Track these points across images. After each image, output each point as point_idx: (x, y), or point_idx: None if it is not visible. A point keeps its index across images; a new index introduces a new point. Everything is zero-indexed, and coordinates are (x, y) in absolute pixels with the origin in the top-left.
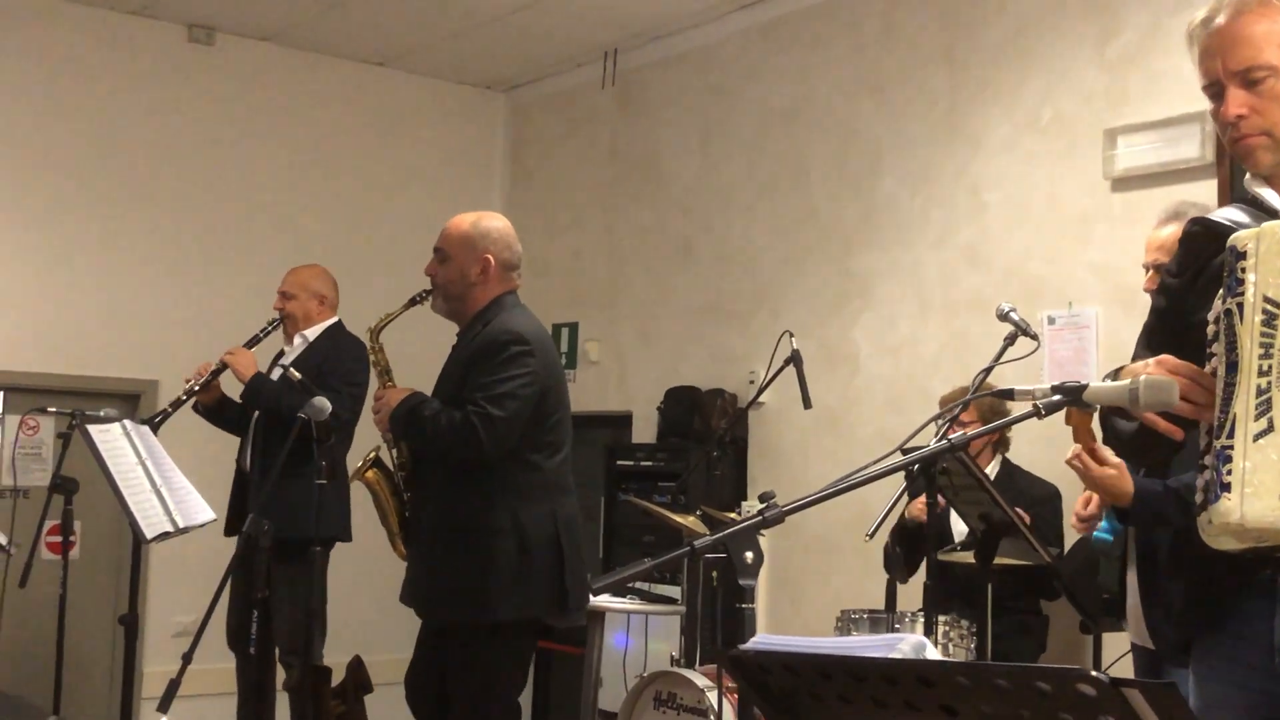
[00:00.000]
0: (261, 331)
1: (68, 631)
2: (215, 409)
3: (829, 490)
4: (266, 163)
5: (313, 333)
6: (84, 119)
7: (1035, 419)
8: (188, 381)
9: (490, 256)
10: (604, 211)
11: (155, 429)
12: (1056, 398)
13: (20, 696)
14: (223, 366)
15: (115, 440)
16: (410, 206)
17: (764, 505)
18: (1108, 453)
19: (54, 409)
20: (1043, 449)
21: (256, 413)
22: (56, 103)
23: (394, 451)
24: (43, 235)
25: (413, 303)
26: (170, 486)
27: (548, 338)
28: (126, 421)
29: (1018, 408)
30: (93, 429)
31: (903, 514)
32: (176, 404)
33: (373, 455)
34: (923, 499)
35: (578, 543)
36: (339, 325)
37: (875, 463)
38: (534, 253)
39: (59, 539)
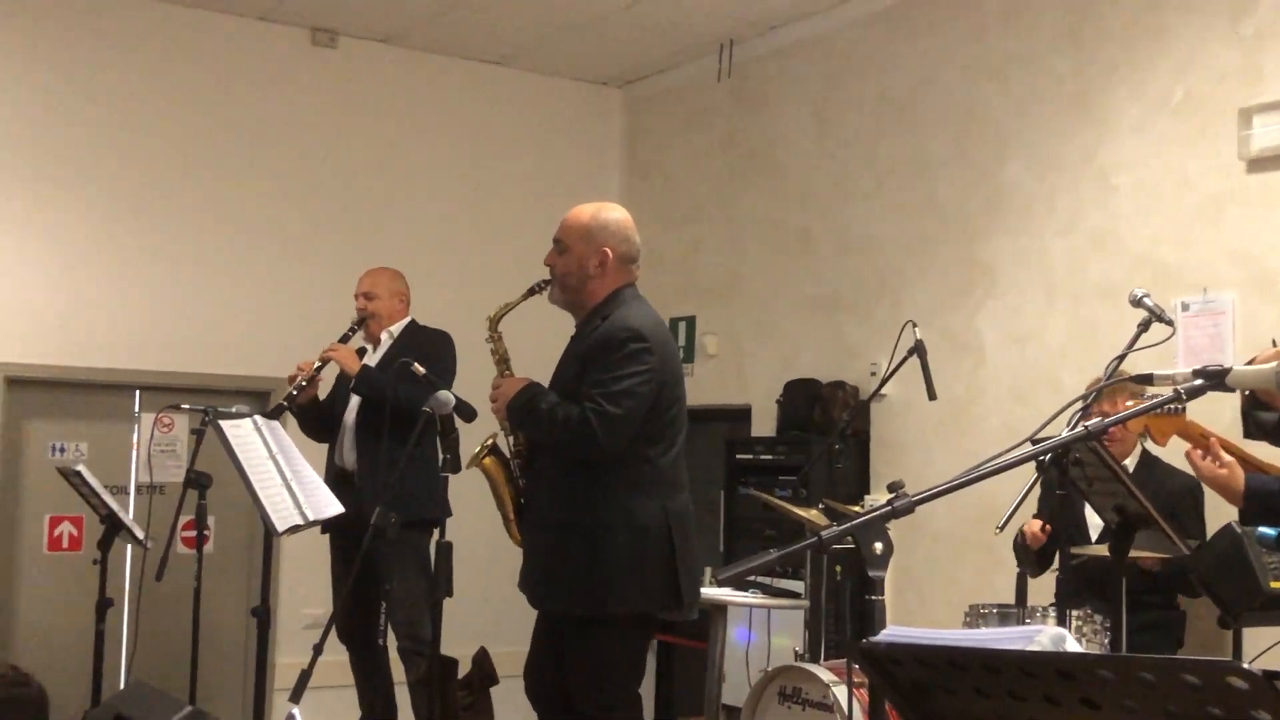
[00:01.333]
0: (350, 330)
1: (203, 624)
2: (310, 409)
3: (960, 480)
4: (388, 162)
5: (396, 330)
6: (212, 123)
7: (1176, 404)
8: (292, 379)
9: (609, 249)
10: (721, 203)
11: (276, 419)
12: (1198, 382)
13: (159, 686)
14: (324, 363)
15: (247, 435)
16: (529, 202)
17: (893, 495)
18: (1223, 451)
19: (188, 406)
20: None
21: (350, 411)
22: (185, 108)
23: (511, 439)
24: (173, 237)
25: (531, 292)
26: (300, 480)
27: (666, 332)
28: (257, 417)
29: (1156, 393)
30: (225, 424)
31: (1019, 534)
32: (289, 399)
33: (490, 442)
34: (1037, 522)
35: (690, 537)
36: (414, 322)
37: (1005, 453)
38: (651, 246)
39: (194, 533)
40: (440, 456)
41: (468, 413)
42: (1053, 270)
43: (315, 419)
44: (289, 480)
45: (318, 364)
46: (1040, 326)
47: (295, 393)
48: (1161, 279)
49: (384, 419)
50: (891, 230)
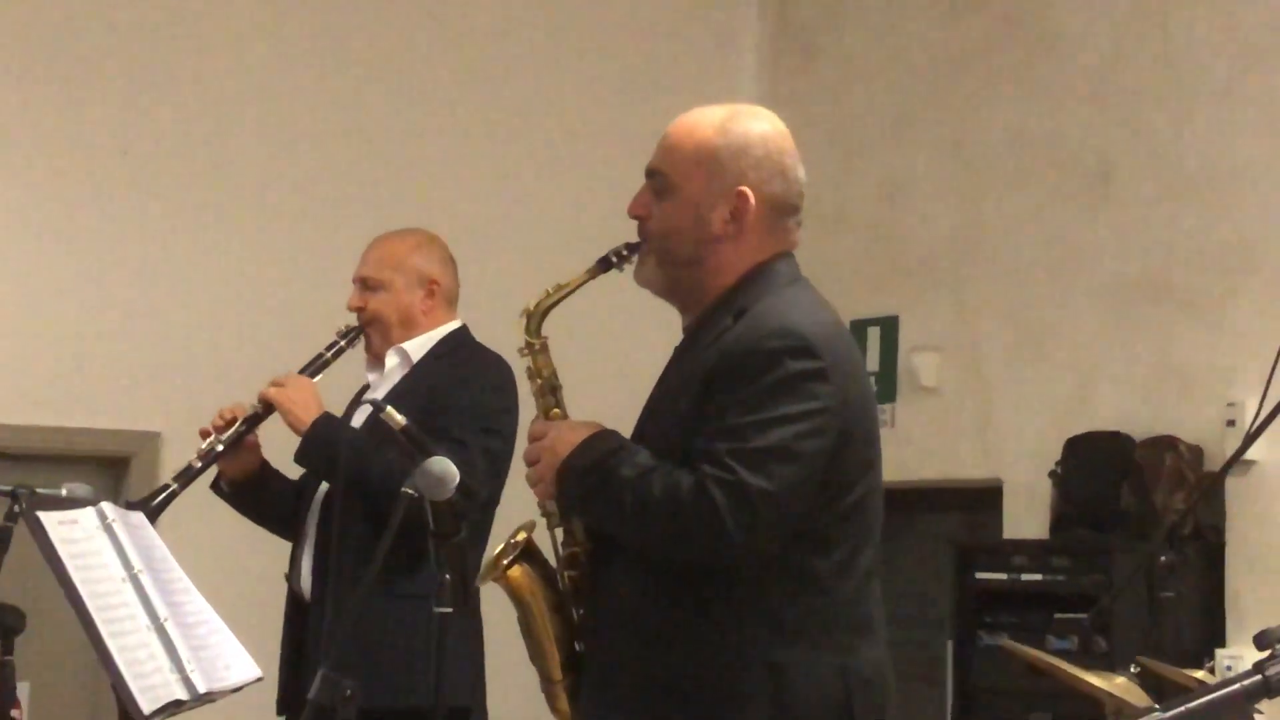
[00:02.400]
0: (329, 349)
1: None
2: (251, 487)
3: None
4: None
5: (417, 346)
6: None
7: None
8: (206, 437)
9: (748, 189)
10: (945, 114)
11: (154, 517)
12: None
13: None
14: (265, 409)
15: (86, 537)
16: (606, 111)
17: (1266, 655)
18: None
19: None
20: None
21: (319, 494)
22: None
23: (558, 532)
24: None
25: (603, 267)
26: (182, 620)
27: (851, 345)
28: (106, 505)
29: None
30: (48, 519)
31: None
32: (188, 476)
33: (520, 538)
34: None
35: None
36: (463, 333)
37: None
38: (814, 191)
39: None
40: (438, 579)
41: (488, 502)
42: None
43: (264, 506)
44: (162, 620)
45: (251, 411)
46: None
47: (200, 464)
48: None
49: (363, 509)
50: (1267, 158)
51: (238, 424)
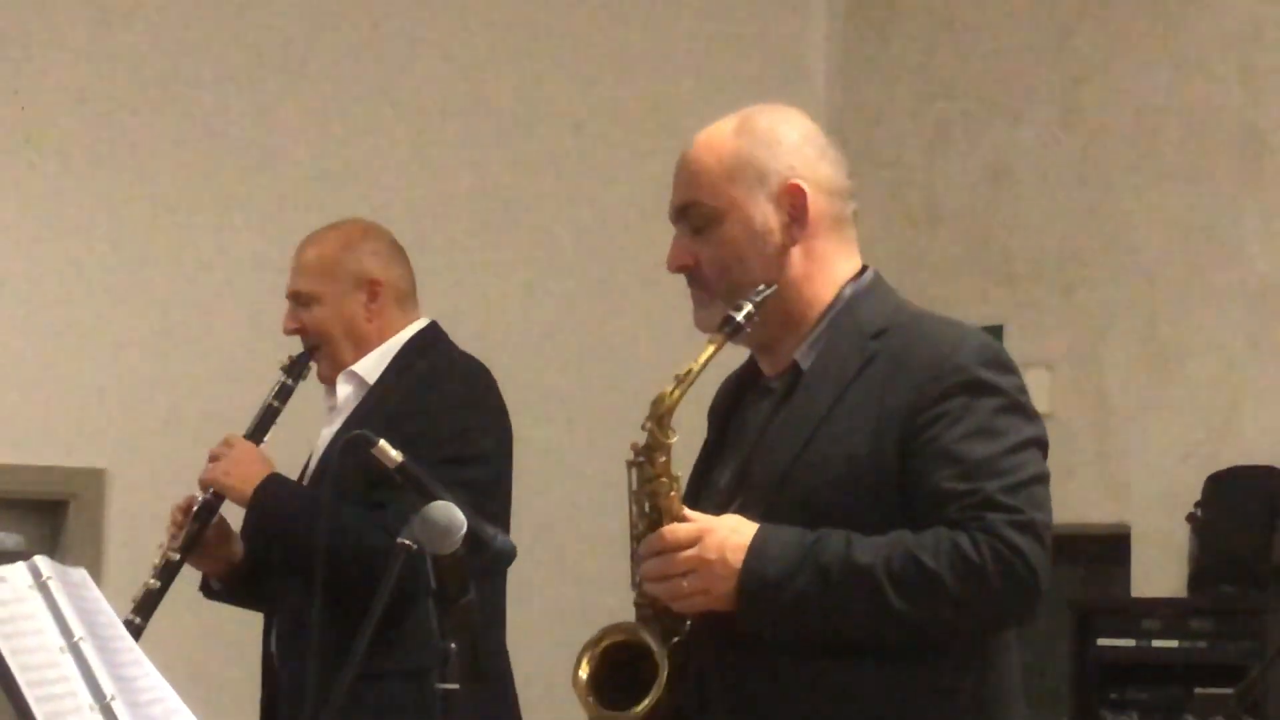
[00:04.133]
0: (276, 395)
1: None
2: (245, 577)
3: None
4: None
5: (372, 364)
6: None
7: None
8: (173, 530)
9: (798, 181)
10: (1059, 84)
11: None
12: None
13: None
14: (215, 499)
15: (16, 599)
16: (657, 111)
17: None
18: None
19: None
20: None
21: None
22: None
23: (658, 622)
24: None
25: (733, 330)
26: (132, 698)
27: None
28: (41, 560)
29: None
30: None
31: None
32: (149, 605)
33: (615, 640)
34: None
35: None
36: (429, 334)
37: None
38: (899, 178)
39: None
40: (440, 649)
41: (497, 554)
42: None
43: (271, 590)
44: (107, 698)
45: (199, 501)
46: None
47: (159, 583)
48: None
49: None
50: None
51: (189, 523)
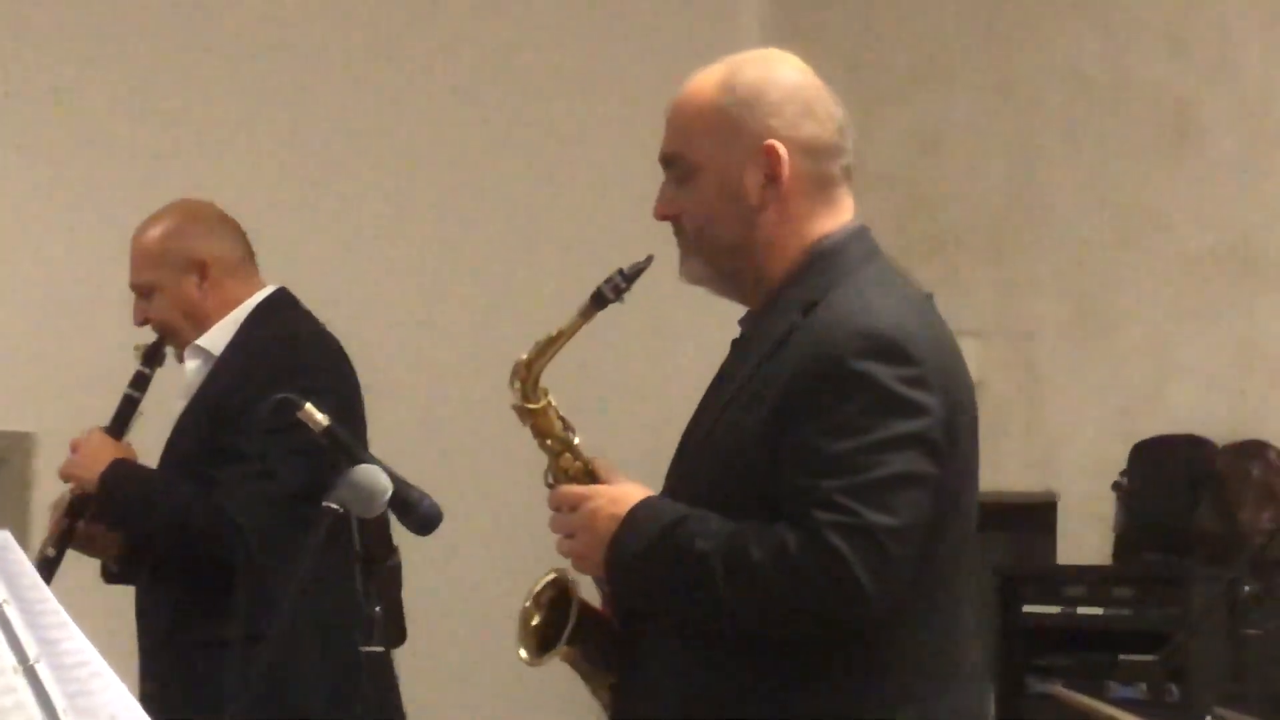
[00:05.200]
0: (135, 385)
1: None
2: (138, 559)
3: None
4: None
5: (217, 338)
6: None
7: None
8: (45, 543)
9: (775, 142)
10: (990, 52)
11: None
12: None
13: None
14: (79, 493)
15: None
16: (584, 90)
17: None
18: None
19: None
20: None
21: None
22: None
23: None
24: None
25: (599, 304)
26: (57, 661)
27: (944, 332)
28: None
29: None
30: None
31: None
32: (48, 562)
33: (553, 583)
34: None
35: None
36: (274, 301)
37: None
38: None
39: None
40: (365, 612)
41: (424, 516)
42: None
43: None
44: (31, 660)
45: (70, 499)
46: None
47: (43, 559)
48: None
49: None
50: None
51: (61, 518)
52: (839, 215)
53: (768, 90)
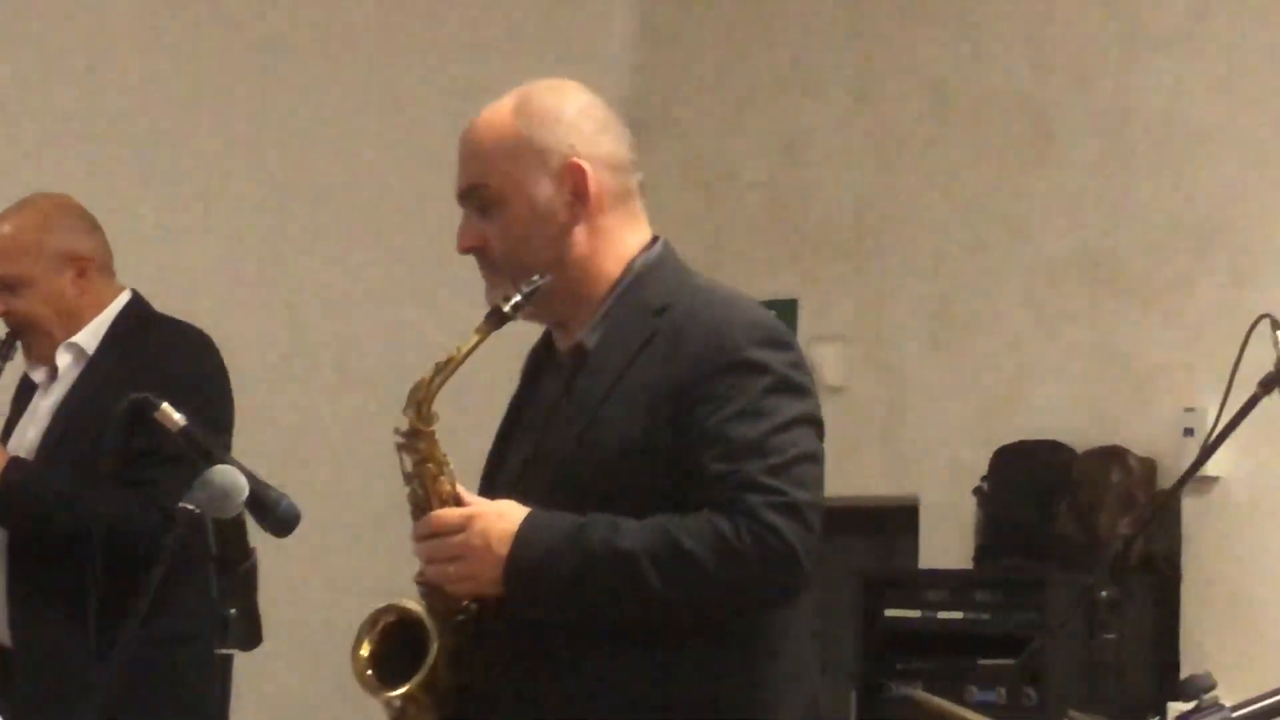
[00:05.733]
0: None
1: None
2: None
3: None
4: None
5: (90, 335)
6: None
7: None
8: None
9: (577, 159)
10: (853, 59)
11: None
12: None
13: None
14: None
15: None
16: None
17: (1192, 709)
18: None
19: None
20: None
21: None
22: None
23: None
24: None
25: (498, 320)
26: None
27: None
28: None
29: None
30: None
31: None
32: None
33: (402, 614)
34: None
35: None
36: (137, 305)
37: None
38: (695, 149)
39: None
40: (220, 614)
41: (281, 517)
42: None
43: None
44: None
45: None
46: None
47: None
48: None
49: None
50: (1237, 118)
51: None
52: (644, 227)
53: (563, 110)
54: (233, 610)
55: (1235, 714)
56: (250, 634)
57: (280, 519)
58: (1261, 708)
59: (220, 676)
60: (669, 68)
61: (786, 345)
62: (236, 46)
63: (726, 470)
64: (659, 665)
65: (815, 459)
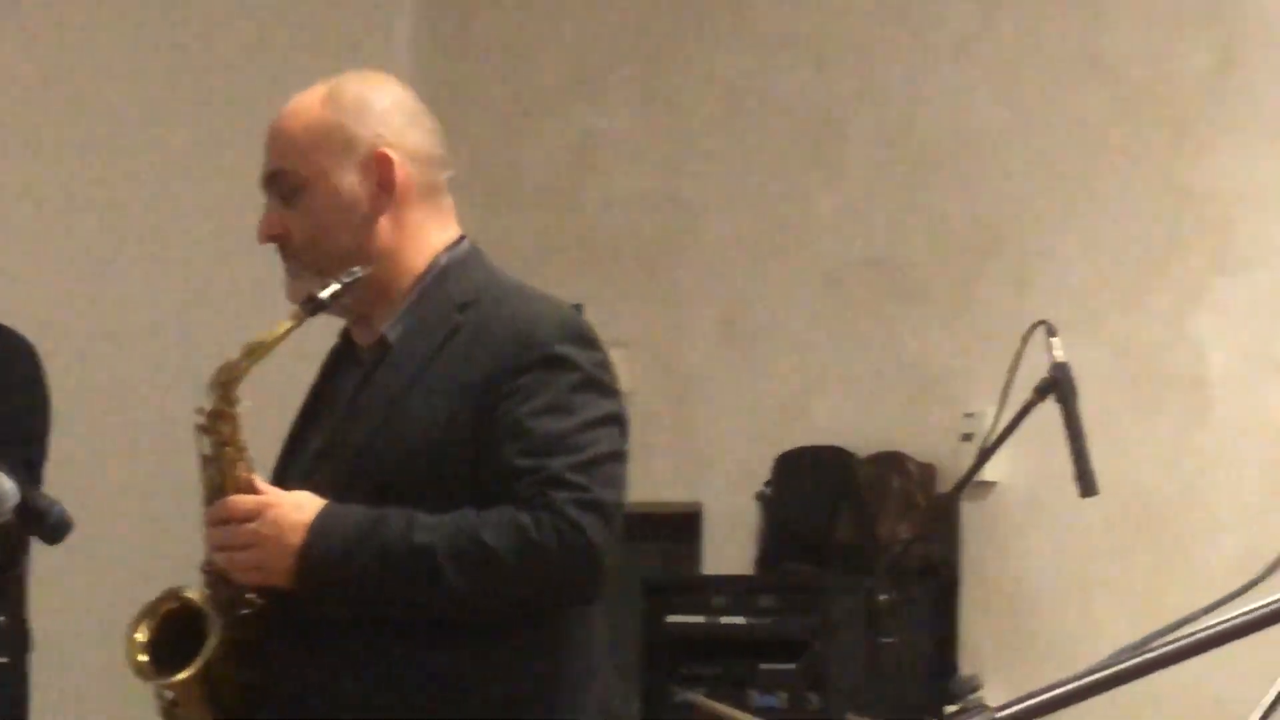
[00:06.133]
0: None
1: None
2: None
3: (1120, 667)
4: None
5: None
6: None
7: None
8: None
9: (386, 149)
10: (643, 63)
11: None
12: None
13: None
14: None
15: None
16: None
17: (959, 709)
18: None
19: None
20: None
21: None
22: None
23: (223, 595)
24: None
25: (313, 308)
26: None
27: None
28: None
29: None
30: None
31: None
32: None
33: (181, 601)
34: None
35: None
36: None
37: (1231, 615)
38: (483, 152)
39: None
40: None
41: (53, 525)
42: None
43: None
44: None
45: None
46: None
47: None
48: None
49: None
50: (1011, 129)
51: None
52: (451, 225)
53: (373, 101)
54: (1, 617)
55: (999, 714)
56: (18, 642)
57: (52, 527)
58: (1025, 707)
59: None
60: (453, 73)
61: (593, 344)
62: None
63: (531, 465)
64: (453, 663)
65: (620, 458)
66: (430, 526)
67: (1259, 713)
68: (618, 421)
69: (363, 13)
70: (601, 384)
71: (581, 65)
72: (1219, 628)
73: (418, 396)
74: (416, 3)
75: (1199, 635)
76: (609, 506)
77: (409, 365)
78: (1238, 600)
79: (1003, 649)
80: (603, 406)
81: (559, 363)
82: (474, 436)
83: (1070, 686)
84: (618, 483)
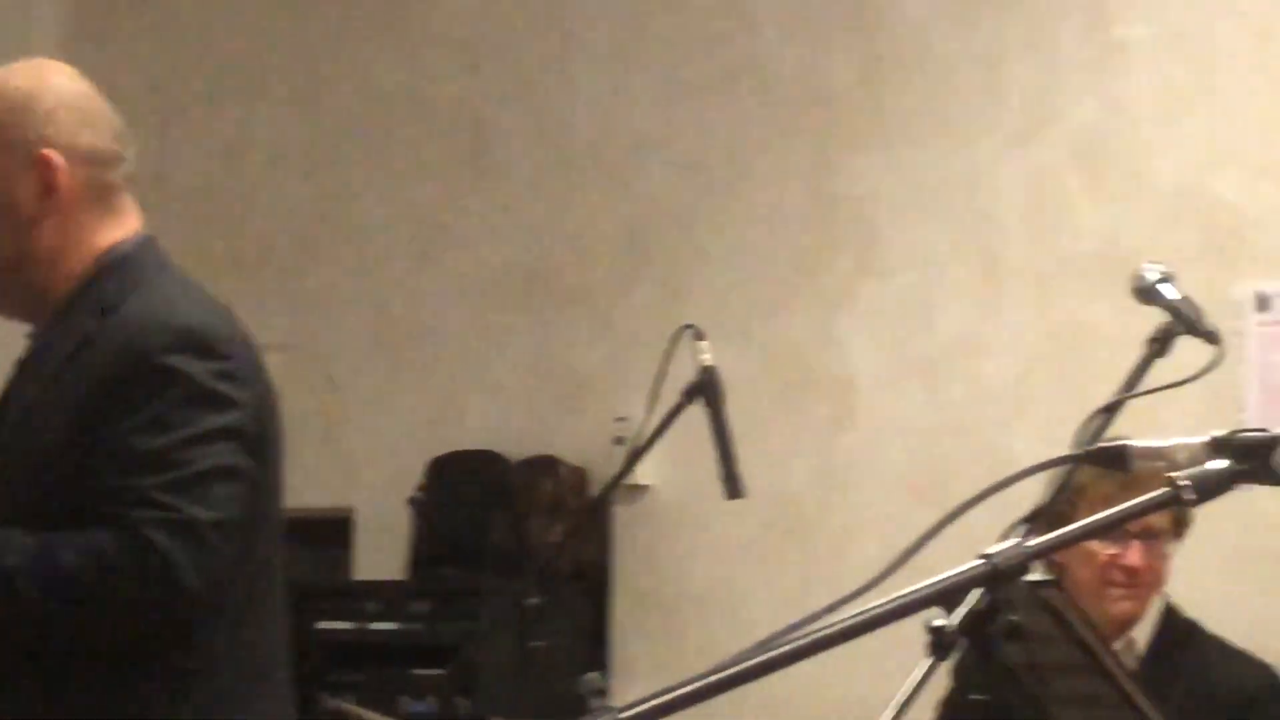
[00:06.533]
0: None
1: None
2: None
3: (740, 668)
4: None
5: None
6: None
7: (1177, 508)
8: None
9: (50, 151)
10: (294, 63)
11: None
12: (1220, 464)
13: None
14: None
15: None
16: None
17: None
18: None
19: None
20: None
21: None
22: None
23: None
24: None
25: None
26: None
27: (248, 337)
28: None
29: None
30: None
31: None
32: None
33: None
34: None
35: None
36: None
37: (865, 608)
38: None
39: None
40: None
41: None
42: (997, 221)
43: None
44: None
45: None
46: (972, 339)
47: None
48: (1217, 243)
49: None
50: (662, 134)
51: None
52: (125, 223)
53: (40, 98)
54: None
55: (622, 715)
56: None
57: None
58: (648, 708)
59: None
60: (98, 67)
61: (209, 353)
62: None
63: (121, 484)
64: (59, 690)
65: (231, 474)
66: (18, 549)
67: (891, 712)
68: (231, 435)
69: (6, 12)
70: (215, 396)
71: (232, 64)
72: (839, 626)
73: (41, 412)
74: (62, 1)
75: (819, 634)
76: (203, 525)
77: (41, 378)
78: (862, 599)
79: (654, 651)
80: (211, 421)
81: (164, 376)
82: (79, 457)
83: (693, 686)
84: (221, 500)
